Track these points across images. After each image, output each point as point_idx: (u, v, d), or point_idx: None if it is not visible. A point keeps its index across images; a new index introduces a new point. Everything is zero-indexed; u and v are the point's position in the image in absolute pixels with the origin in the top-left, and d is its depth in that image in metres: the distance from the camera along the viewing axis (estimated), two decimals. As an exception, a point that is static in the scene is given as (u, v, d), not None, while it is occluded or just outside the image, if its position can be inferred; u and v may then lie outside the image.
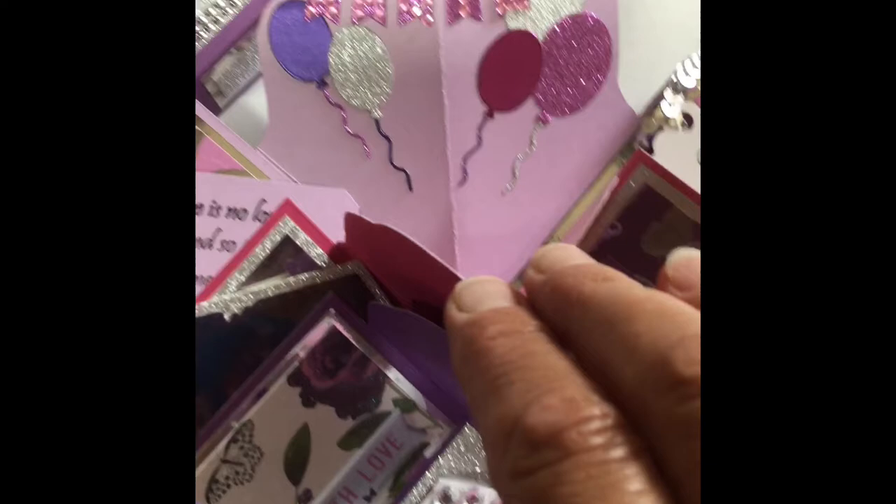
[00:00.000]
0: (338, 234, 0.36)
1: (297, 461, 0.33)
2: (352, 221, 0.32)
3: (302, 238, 0.36)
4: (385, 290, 0.35)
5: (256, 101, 0.42)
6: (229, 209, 0.38)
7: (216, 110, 0.42)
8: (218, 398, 0.33)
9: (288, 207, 0.36)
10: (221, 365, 0.34)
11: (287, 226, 0.36)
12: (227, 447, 0.33)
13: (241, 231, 0.38)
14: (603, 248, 0.36)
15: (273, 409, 0.33)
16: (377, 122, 0.38)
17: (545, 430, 0.14)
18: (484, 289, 0.17)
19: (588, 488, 0.13)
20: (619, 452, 0.14)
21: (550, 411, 0.14)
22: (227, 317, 0.35)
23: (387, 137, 0.38)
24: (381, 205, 0.39)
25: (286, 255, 0.37)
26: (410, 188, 0.39)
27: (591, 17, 0.38)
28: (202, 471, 0.33)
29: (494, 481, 0.15)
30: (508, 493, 0.14)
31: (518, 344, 0.16)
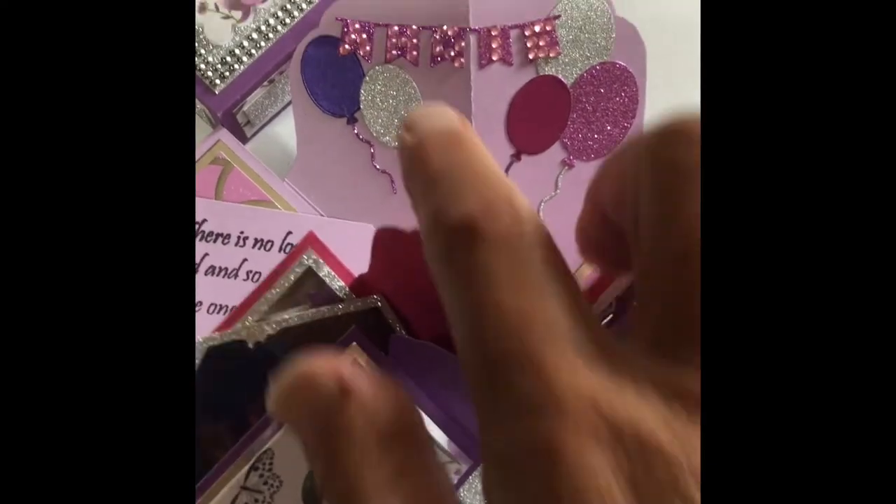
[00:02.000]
0: (360, 268, 0.37)
1: (315, 491, 0.33)
2: (383, 236, 0.32)
3: (325, 271, 0.36)
4: (406, 323, 0.35)
5: (284, 131, 0.43)
6: (256, 240, 0.38)
7: (244, 139, 0.42)
8: (240, 425, 0.34)
9: (311, 240, 0.37)
10: (244, 393, 0.34)
11: (310, 258, 0.36)
12: (248, 474, 0.33)
13: (267, 262, 0.38)
14: (627, 291, 0.36)
15: (293, 439, 0.33)
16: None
17: (462, 219, 0.17)
18: (431, 114, 0.20)
19: (499, 268, 0.16)
20: (529, 239, 0.16)
21: (470, 203, 0.17)
22: (250, 344, 0.35)
23: None
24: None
25: (309, 287, 0.37)
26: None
27: (619, 65, 0.39)
28: (222, 496, 0.33)
29: (430, 265, 0.18)
30: (436, 275, 0.17)
31: (453, 156, 0.18)
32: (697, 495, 0.14)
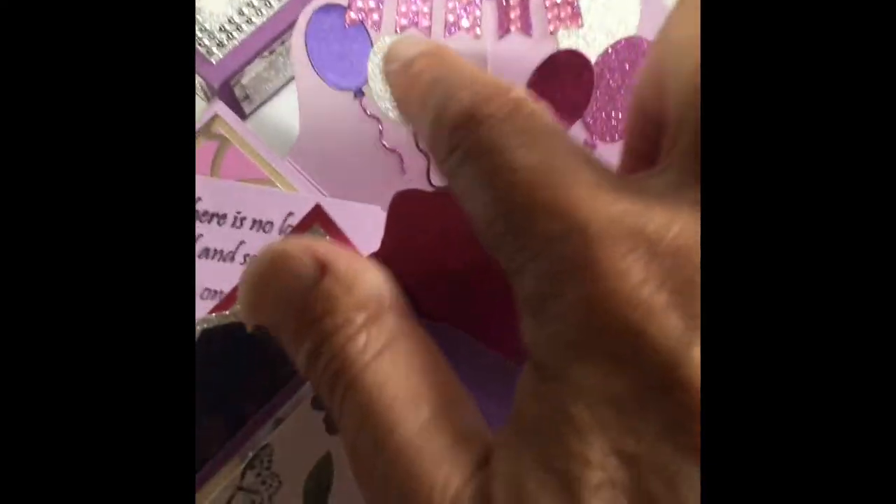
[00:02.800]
0: (367, 251, 0.34)
1: (318, 492, 0.30)
2: (402, 199, 0.29)
3: None
4: (418, 305, 0.33)
5: (286, 107, 0.40)
6: (254, 221, 0.36)
7: (242, 116, 0.40)
8: (237, 419, 0.31)
9: (318, 215, 0.34)
10: (240, 381, 0.31)
11: (316, 234, 0.34)
12: (244, 473, 0.30)
13: (266, 244, 0.35)
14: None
15: (294, 435, 0.30)
16: (415, 136, 0.36)
17: (462, 111, 0.17)
18: (407, 40, 0.20)
19: (507, 137, 0.16)
20: (532, 112, 0.17)
21: (465, 97, 0.17)
22: (248, 327, 0.32)
23: (424, 153, 0.36)
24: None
25: None
26: (446, 208, 0.37)
27: (646, 41, 0.37)
28: (215, 497, 0.30)
29: (443, 176, 0.18)
30: (450, 181, 0.18)
31: (440, 68, 0.19)
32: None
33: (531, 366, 0.16)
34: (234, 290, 0.34)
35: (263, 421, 0.30)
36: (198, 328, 0.31)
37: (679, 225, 0.15)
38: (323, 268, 0.18)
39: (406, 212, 0.30)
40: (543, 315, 0.16)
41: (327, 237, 0.34)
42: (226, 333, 0.31)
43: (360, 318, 0.17)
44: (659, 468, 0.14)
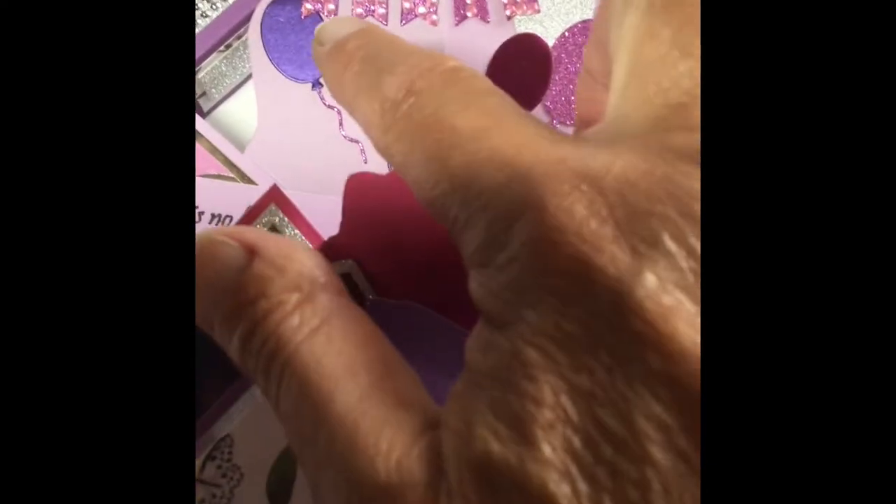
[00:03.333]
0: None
1: (281, 484, 0.29)
2: (356, 183, 0.29)
3: (289, 232, 0.33)
4: (384, 286, 0.32)
5: (244, 103, 0.40)
6: (213, 215, 0.35)
7: (201, 113, 0.39)
8: (195, 407, 0.30)
9: (275, 194, 0.33)
10: (199, 367, 0.30)
11: (274, 216, 0.33)
12: (204, 465, 0.29)
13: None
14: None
15: (257, 423, 0.29)
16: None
17: (399, 86, 0.17)
18: (337, 21, 0.20)
19: (446, 104, 0.16)
20: (472, 79, 0.17)
21: (401, 72, 0.17)
22: None
23: None
24: None
25: None
26: (409, 197, 0.36)
27: (603, 23, 0.37)
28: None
29: (382, 152, 0.18)
30: (391, 154, 0.18)
31: (371, 45, 0.19)
32: (688, 230, 0.14)
33: (481, 321, 0.16)
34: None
35: (222, 411, 0.30)
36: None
37: (621, 162, 0.15)
38: (252, 252, 0.18)
39: (362, 194, 0.30)
40: (491, 266, 0.15)
41: (285, 218, 0.33)
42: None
43: (293, 299, 0.17)
44: (612, 402, 0.13)
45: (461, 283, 0.27)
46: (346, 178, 0.28)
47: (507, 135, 0.16)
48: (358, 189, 0.29)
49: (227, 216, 0.35)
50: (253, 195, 0.35)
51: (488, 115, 0.16)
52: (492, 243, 0.15)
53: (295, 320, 0.17)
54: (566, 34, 0.37)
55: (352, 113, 0.19)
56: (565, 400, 0.14)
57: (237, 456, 0.29)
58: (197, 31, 0.37)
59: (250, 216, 0.33)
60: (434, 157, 0.17)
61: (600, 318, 0.14)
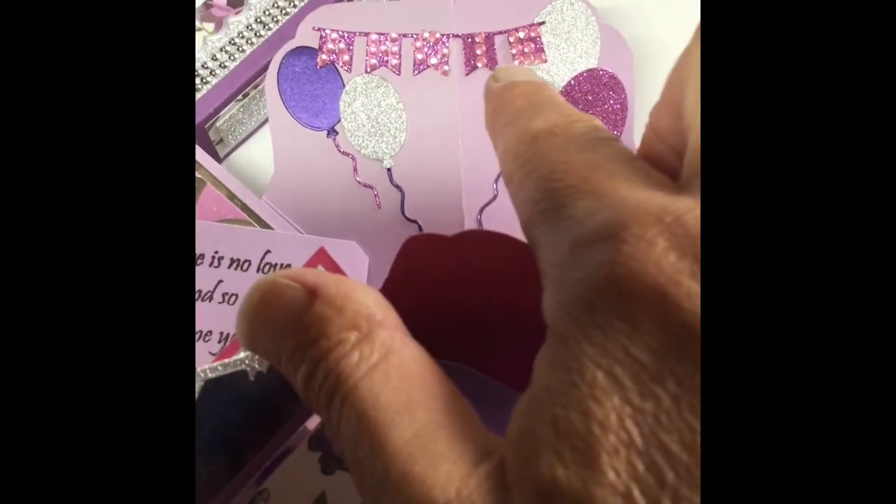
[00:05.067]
0: None
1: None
2: (415, 241, 0.29)
3: None
4: (429, 346, 0.33)
5: (260, 149, 0.41)
6: (232, 260, 0.36)
7: (217, 158, 0.40)
8: (238, 462, 0.31)
9: (322, 258, 0.34)
10: (243, 427, 0.31)
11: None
12: (242, 517, 0.30)
13: (244, 283, 0.36)
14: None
15: (291, 476, 0.30)
16: (389, 171, 0.37)
17: (545, 126, 0.19)
18: (517, 68, 0.24)
19: (570, 147, 0.19)
20: (607, 139, 0.19)
21: (552, 117, 0.20)
22: (251, 376, 0.32)
23: (399, 188, 0.37)
24: (392, 257, 0.37)
25: None
26: (422, 241, 0.37)
27: (607, 72, 0.38)
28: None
29: (504, 167, 0.20)
30: (508, 173, 0.20)
31: (538, 94, 0.21)
32: None
33: (549, 337, 0.16)
34: (219, 330, 0.34)
35: (260, 465, 0.30)
36: (200, 378, 0.31)
37: (701, 209, 0.16)
38: (313, 292, 0.19)
39: (416, 253, 0.30)
40: (566, 281, 0.16)
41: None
42: (229, 382, 0.31)
43: (352, 337, 0.18)
44: (677, 429, 0.14)
45: (510, 347, 0.27)
46: (406, 239, 0.29)
47: (613, 174, 0.17)
48: (414, 248, 0.29)
49: (245, 260, 0.36)
50: (271, 240, 0.36)
51: (604, 159, 0.18)
52: (571, 261, 0.16)
53: (354, 358, 0.18)
54: (572, 82, 0.38)
55: (494, 140, 0.22)
56: (630, 424, 0.14)
57: (272, 506, 0.30)
58: (216, 81, 0.38)
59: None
60: (546, 179, 0.18)
61: (671, 349, 0.14)
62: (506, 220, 0.36)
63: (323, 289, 0.19)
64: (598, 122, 0.20)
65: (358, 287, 0.19)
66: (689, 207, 0.15)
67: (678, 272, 0.14)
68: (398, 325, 0.19)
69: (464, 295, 0.30)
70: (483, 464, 0.16)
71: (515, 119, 0.20)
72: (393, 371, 0.18)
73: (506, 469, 0.16)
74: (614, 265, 0.15)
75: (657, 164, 0.21)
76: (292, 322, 0.19)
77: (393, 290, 0.31)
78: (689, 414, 0.14)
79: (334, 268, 0.34)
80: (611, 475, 0.14)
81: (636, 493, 0.14)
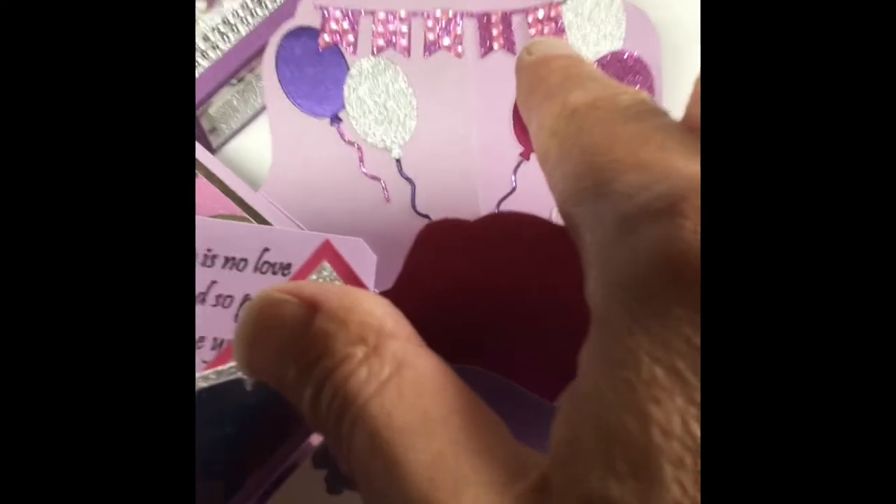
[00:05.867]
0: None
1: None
2: (431, 233, 0.26)
3: None
4: (447, 347, 0.30)
5: (258, 139, 0.38)
6: (227, 259, 0.33)
7: (210, 149, 0.37)
8: (237, 481, 0.28)
9: (327, 252, 0.31)
10: (241, 442, 0.28)
11: (325, 274, 0.31)
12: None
13: (240, 284, 0.33)
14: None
15: (295, 496, 0.27)
16: (398, 162, 0.35)
17: (587, 100, 0.18)
18: (550, 41, 0.22)
19: (615, 118, 0.17)
20: (648, 104, 0.18)
21: (594, 91, 0.18)
22: (248, 385, 0.29)
23: (409, 180, 0.35)
24: (402, 255, 0.34)
25: None
26: (435, 238, 0.35)
27: (632, 55, 0.36)
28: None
29: (539, 144, 0.19)
30: (544, 150, 0.19)
31: (575, 68, 0.20)
32: None
33: (595, 329, 0.15)
34: (212, 336, 0.31)
35: (260, 484, 0.27)
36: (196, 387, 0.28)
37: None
38: (313, 306, 0.17)
39: (434, 242, 0.27)
40: (614, 262, 0.14)
41: (338, 279, 0.31)
42: (224, 392, 0.28)
43: (359, 352, 0.16)
44: None
45: (529, 346, 0.25)
46: (422, 228, 0.26)
47: (664, 146, 0.16)
48: (431, 239, 0.27)
49: (241, 259, 0.33)
50: (269, 237, 0.33)
51: (653, 130, 0.16)
52: (619, 240, 0.14)
53: (362, 374, 0.16)
54: (595, 66, 0.35)
55: (528, 118, 0.20)
56: (697, 429, 0.12)
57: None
58: (207, 64, 0.35)
59: (300, 275, 0.31)
60: (589, 153, 0.17)
61: None
62: (525, 214, 0.35)
63: (324, 302, 0.17)
64: (645, 94, 0.18)
65: (363, 296, 0.18)
66: None
67: None
68: (411, 334, 0.18)
69: (487, 288, 0.27)
70: (516, 484, 0.14)
71: (552, 94, 0.19)
72: (407, 387, 0.16)
73: (549, 487, 0.14)
74: (673, 242, 0.13)
75: None
76: (293, 342, 0.17)
77: (408, 284, 0.29)
78: None
79: (341, 264, 0.31)
80: (675, 490, 0.12)
81: None
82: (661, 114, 0.17)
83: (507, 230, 0.25)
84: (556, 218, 0.35)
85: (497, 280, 0.26)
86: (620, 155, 0.16)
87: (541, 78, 0.20)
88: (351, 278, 0.31)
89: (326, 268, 0.30)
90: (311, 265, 0.31)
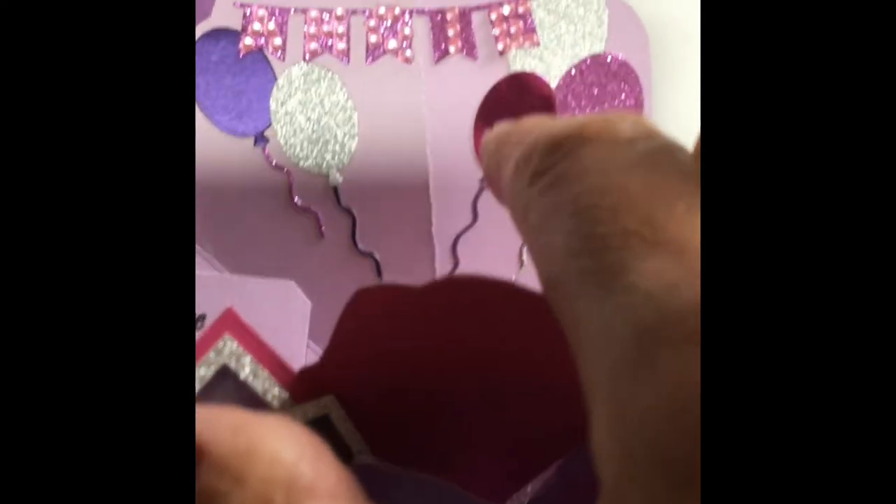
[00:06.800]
0: (285, 344, 0.27)
1: None
2: (367, 300, 0.23)
3: (248, 369, 0.25)
4: (371, 436, 0.25)
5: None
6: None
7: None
8: None
9: (229, 321, 0.26)
10: None
11: (227, 351, 0.25)
12: None
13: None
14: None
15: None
16: (336, 190, 0.32)
17: (564, 131, 0.16)
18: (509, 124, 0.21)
19: (603, 156, 0.16)
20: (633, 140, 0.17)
21: (567, 127, 0.17)
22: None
23: (349, 211, 0.32)
24: (340, 300, 0.30)
25: (224, 393, 0.27)
26: (380, 278, 0.32)
27: (617, 57, 0.32)
28: None
29: (514, 201, 0.17)
30: (528, 200, 0.16)
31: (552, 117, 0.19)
32: None
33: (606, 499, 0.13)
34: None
35: None
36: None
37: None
38: (198, 455, 0.15)
39: (368, 312, 0.23)
40: (631, 405, 0.13)
41: (243, 354, 0.26)
42: None
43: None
44: None
45: (496, 449, 0.22)
46: (353, 293, 0.22)
47: (692, 211, 0.15)
48: (364, 309, 0.22)
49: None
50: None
51: (673, 184, 0.15)
52: (638, 378, 0.13)
53: None
54: (573, 72, 0.33)
55: (497, 177, 0.19)
56: None
57: None
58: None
59: (197, 351, 0.26)
60: (585, 217, 0.16)
61: None
62: (490, 251, 0.33)
63: (212, 447, 0.14)
64: (647, 120, 0.16)
65: (267, 432, 0.15)
66: None
67: None
68: (335, 488, 0.15)
69: (434, 371, 0.23)
70: None
71: (529, 132, 0.17)
72: None
73: None
74: (694, 387, 0.12)
75: None
76: None
77: (336, 361, 0.24)
78: None
79: (251, 340, 0.25)
80: None
81: None
82: (676, 152, 0.16)
83: (462, 298, 0.21)
84: (527, 255, 0.32)
85: (449, 363, 0.22)
86: (632, 224, 0.14)
87: (511, 132, 0.18)
88: (264, 355, 0.26)
89: (229, 344, 0.25)
90: (207, 341, 0.25)
